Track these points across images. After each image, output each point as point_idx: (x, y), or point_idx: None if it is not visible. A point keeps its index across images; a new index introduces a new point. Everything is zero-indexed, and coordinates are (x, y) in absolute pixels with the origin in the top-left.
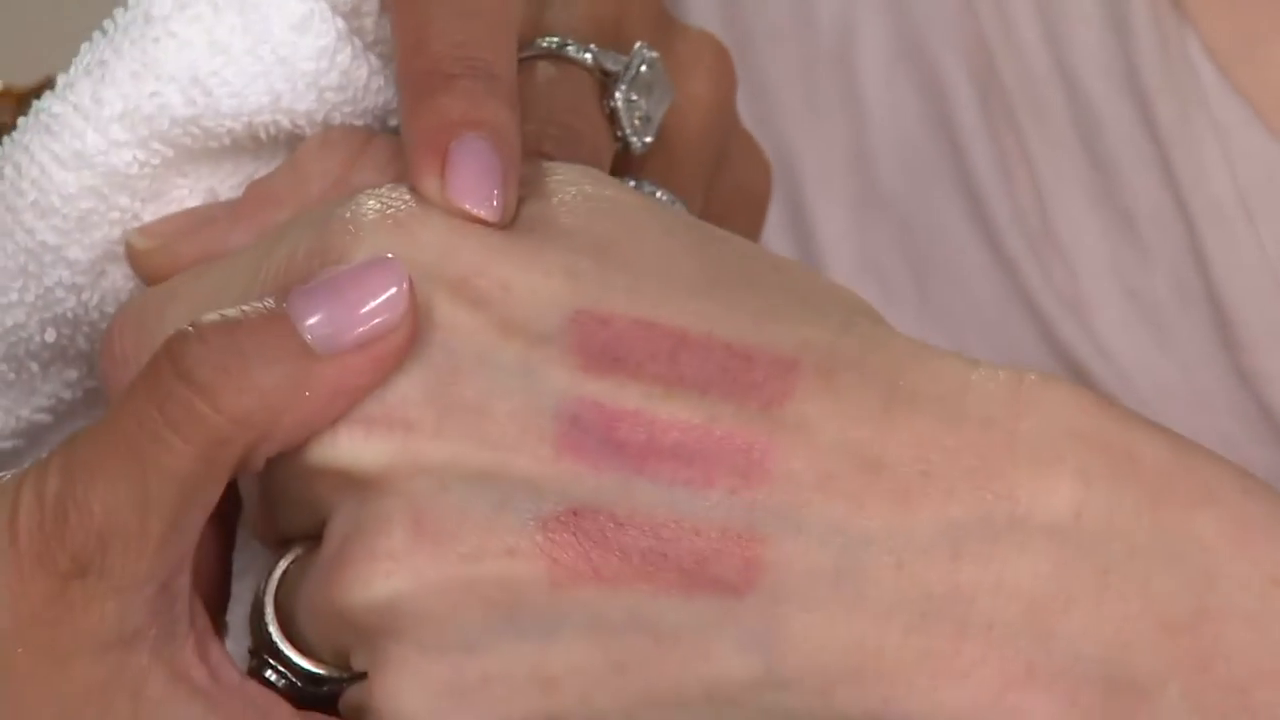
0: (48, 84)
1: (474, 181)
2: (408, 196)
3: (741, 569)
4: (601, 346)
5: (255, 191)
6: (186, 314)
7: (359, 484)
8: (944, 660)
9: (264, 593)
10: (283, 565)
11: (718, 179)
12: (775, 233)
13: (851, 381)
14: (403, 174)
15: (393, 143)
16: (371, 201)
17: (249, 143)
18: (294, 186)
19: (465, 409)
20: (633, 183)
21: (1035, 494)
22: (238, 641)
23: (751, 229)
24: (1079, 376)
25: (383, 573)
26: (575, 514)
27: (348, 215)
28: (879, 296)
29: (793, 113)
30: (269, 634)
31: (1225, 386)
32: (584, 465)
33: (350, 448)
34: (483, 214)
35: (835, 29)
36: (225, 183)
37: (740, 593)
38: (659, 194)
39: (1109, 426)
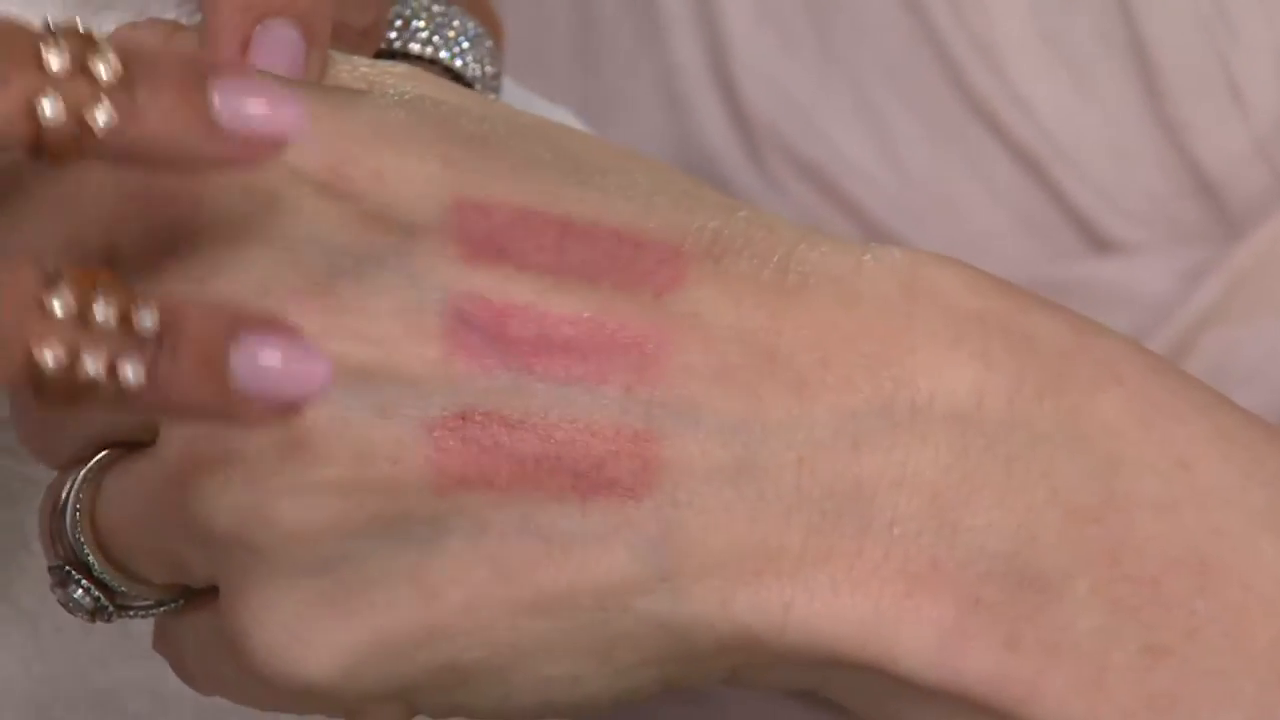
0: None
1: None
2: None
3: (638, 470)
4: (485, 236)
5: None
6: None
7: None
8: (846, 561)
9: (70, 499)
10: (90, 469)
11: None
12: None
13: (742, 265)
14: None
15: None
16: None
17: None
18: None
19: (343, 309)
20: None
21: (936, 379)
22: None
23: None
24: (993, 128)
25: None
26: (463, 418)
27: None
28: (778, 47)
29: None
30: (79, 546)
31: (1149, 138)
32: (473, 365)
33: None
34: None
35: None
36: None
37: (637, 496)
38: None
39: (1007, 307)
